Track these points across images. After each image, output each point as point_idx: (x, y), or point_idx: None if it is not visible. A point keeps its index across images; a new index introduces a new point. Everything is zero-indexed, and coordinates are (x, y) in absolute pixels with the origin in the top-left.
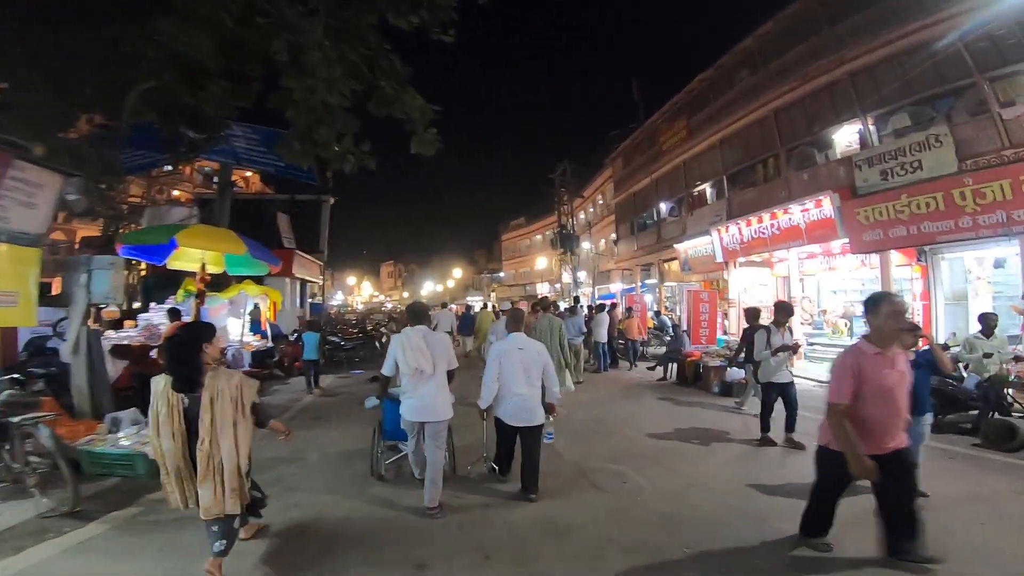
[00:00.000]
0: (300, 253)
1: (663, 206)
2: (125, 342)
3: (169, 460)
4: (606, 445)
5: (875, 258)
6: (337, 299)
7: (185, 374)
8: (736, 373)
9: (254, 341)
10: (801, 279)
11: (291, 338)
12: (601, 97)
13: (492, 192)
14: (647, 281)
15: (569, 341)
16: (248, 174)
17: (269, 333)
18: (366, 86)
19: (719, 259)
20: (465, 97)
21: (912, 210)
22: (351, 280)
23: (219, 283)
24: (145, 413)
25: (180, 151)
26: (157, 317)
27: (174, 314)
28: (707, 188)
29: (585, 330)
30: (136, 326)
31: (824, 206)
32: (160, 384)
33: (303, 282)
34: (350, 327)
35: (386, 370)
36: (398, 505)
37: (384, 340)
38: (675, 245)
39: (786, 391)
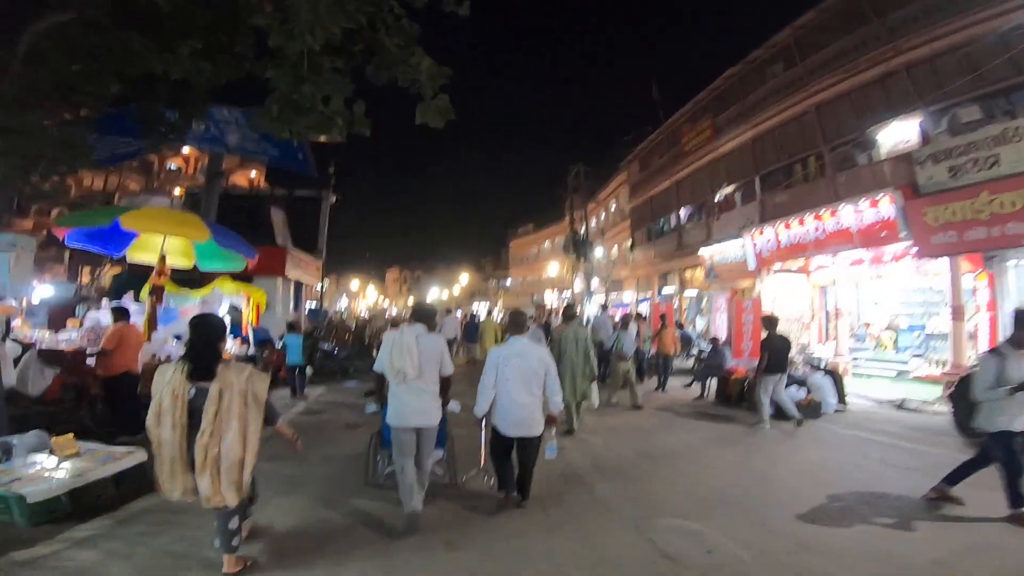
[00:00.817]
0: (295, 252)
1: (683, 211)
2: (62, 346)
3: (165, 451)
4: (667, 491)
5: (935, 265)
6: (342, 304)
7: (207, 361)
8: (792, 393)
9: (232, 347)
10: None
11: (279, 344)
12: (615, 99)
13: (500, 198)
14: (664, 290)
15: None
16: (253, 174)
17: (251, 338)
18: (364, 44)
19: (752, 266)
20: (472, 98)
21: (995, 209)
22: (354, 285)
23: (197, 281)
24: (65, 432)
25: (160, 132)
26: (108, 317)
27: (119, 313)
28: (736, 190)
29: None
30: (80, 326)
31: (881, 206)
32: (168, 372)
33: (299, 284)
34: (347, 333)
35: (377, 367)
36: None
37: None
38: (700, 251)
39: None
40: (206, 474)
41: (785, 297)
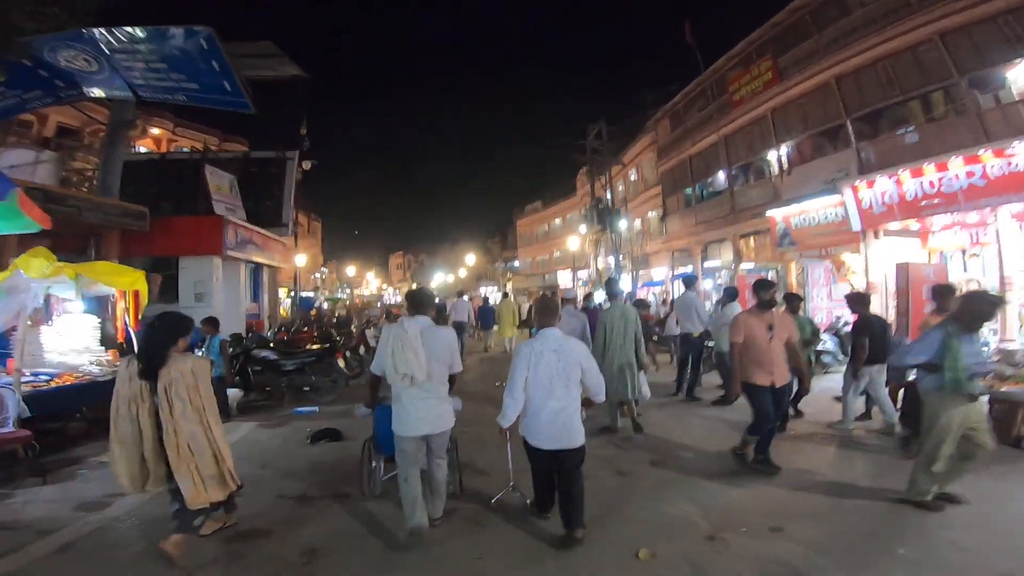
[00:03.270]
0: (242, 224)
1: (726, 171)
2: None
3: (126, 444)
4: None
5: None
6: (343, 293)
7: (151, 361)
8: None
9: (89, 364)
10: (966, 254)
11: (200, 351)
12: (634, 54)
13: (506, 176)
14: (707, 263)
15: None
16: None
17: (135, 342)
18: None
19: (856, 226)
20: (475, 67)
21: None
22: (351, 271)
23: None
24: None
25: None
26: None
27: None
28: (808, 139)
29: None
30: None
31: None
32: (125, 365)
33: (258, 266)
34: (312, 332)
35: (375, 368)
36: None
37: (363, 351)
38: (768, 212)
39: None
40: (183, 472)
41: (882, 267)
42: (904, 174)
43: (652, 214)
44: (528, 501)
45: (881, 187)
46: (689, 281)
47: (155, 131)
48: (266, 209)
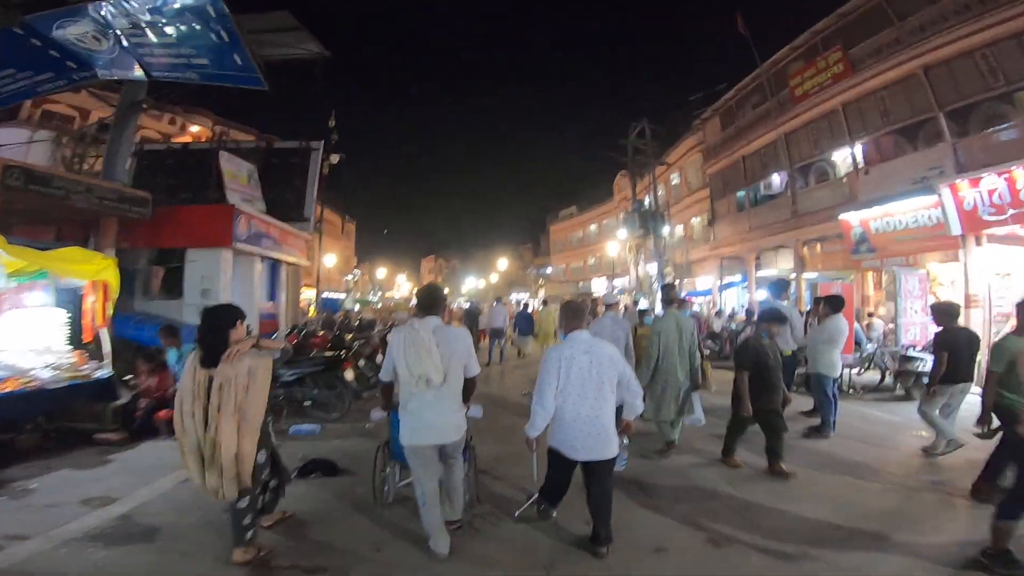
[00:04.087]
0: (256, 215)
1: (782, 172)
2: None
3: (188, 438)
4: None
5: None
6: (375, 295)
7: (211, 349)
8: None
9: (41, 367)
10: None
11: (176, 361)
12: (673, 53)
13: (539, 181)
14: (761, 272)
15: None
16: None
17: (105, 343)
18: None
19: (956, 231)
20: (511, 67)
21: None
22: (381, 273)
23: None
24: None
25: None
26: None
27: None
28: (887, 134)
29: None
30: None
31: None
32: (191, 359)
33: (276, 263)
34: (327, 337)
35: (384, 375)
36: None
37: (380, 358)
38: (841, 216)
39: None
40: (214, 468)
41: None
42: (1019, 171)
43: (696, 220)
44: (542, 507)
45: (989, 186)
46: (779, 287)
47: (194, 128)
48: (286, 202)
